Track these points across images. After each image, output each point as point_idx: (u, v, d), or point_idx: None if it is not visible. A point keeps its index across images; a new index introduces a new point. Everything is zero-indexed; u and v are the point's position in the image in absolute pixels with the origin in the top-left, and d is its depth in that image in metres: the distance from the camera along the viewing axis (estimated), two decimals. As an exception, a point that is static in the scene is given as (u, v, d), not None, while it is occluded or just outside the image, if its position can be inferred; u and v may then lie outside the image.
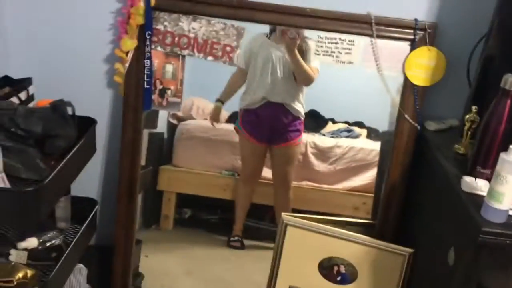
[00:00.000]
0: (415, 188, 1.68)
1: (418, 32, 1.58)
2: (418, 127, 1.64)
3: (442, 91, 1.65)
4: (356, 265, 1.66)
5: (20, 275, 1.29)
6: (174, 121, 2.38)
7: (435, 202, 1.51)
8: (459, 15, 1.59)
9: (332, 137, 2.40)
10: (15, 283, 1.27)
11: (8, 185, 1.25)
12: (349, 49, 1.64)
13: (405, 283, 1.63)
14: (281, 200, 2.11)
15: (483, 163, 1.30)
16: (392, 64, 1.64)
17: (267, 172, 2.23)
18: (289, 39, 1.78)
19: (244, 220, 2.23)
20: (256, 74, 1.99)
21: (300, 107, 2.07)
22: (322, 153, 2.33)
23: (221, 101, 2.15)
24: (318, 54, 1.66)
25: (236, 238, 2.22)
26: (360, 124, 2.43)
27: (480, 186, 1.26)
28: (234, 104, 2.18)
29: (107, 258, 1.79)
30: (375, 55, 1.62)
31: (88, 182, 1.78)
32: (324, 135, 2.41)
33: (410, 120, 1.64)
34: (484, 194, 1.19)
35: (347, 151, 2.31)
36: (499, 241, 1.13)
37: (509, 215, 1.16)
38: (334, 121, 2.45)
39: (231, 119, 2.26)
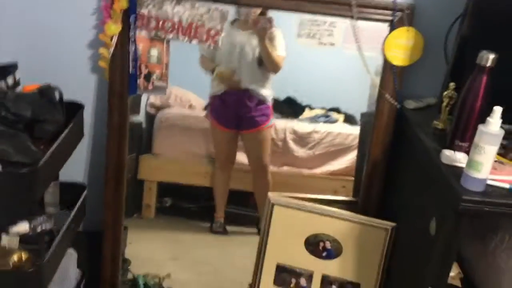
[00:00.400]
0: (396, 165, 1.74)
1: (397, 13, 1.64)
2: (398, 106, 1.70)
3: (420, 71, 1.72)
4: (341, 241, 1.72)
5: (15, 258, 1.30)
6: (152, 111, 2.38)
7: (416, 177, 1.58)
8: (436, -4, 1.65)
9: (311, 123, 2.45)
10: (11, 265, 1.27)
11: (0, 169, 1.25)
12: (331, 30, 1.68)
13: (387, 256, 1.70)
14: (260, 185, 2.15)
15: (461, 136, 1.37)
16: (372, 45, 1.69)
17: (243, 158, 2.25)
18: (261, 27, 1.81)
19: (224, 206, 2.26)
20: (221, 61, 2.01)
21: (267, 92, 2.10)
22: (301, 139, 2.37)
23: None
24: (301, 37, 1.69)
25: (218, 224, 2.25)
26: (337, 110, 2.49)
27: (459, 158, 1.32)
28: (207, 90, 2.19)
29: (96, 243, 1.80)
30: (355, 36, 1.67)
31: (75, 167, 1.78)
32: (302, 121, 2.46)
33: (390, 100, 1.70)
34: (463, 165, 1.26)
35: (325, 136, 2.36)
36: (478, 208, 1.19)
37: (487, 184, 1.23)
38: (311, 108, 2.50)
39: (207, 107, 2.28)
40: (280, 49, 1.96)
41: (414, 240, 1.54)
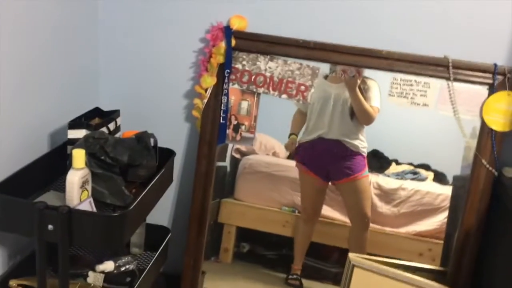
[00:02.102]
0: (491, 236, 1.61)
1: (497, 76, 1.56)
2: (496, 173, 1.59)
3: (521, 137, 1.60)
4: (425, 313, 1.60)
5: (99, 296, 1.34)
6: (237, 156, 2.43)
7: (514, 251, 1.45)
8: (541, 61, 1.56)
9: (397, 178, 2.35)
10: (94, 303, 1.32)
11: (94, 209, 1.33)
12: (425, 91, 1.63)
13: (479, 336, 1.55)
14: (357, 240, 2.07)
15: None
16: (469, 107, 1.62)
17: (328, 211, 2.20)
18: (349, 77, 1.80)
19: (303, 259, 2.20)
20: (314, 114, 2.01)
21: (360, 143, 2.05)
22: (386, 195, 2.27)
23: (294, 134, 2.17)
24: (392, 96, 1.66)
25: (294, 276, 2.19)
26: (426, 167, 2.37)
27: None
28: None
29: (174, 286, 1.83)
30: (451, 98, 1.60)
31: (160, 210, 1.84)
32: (388, 176, 2.37)
33: (487, 166, 1.60)
34: None
35: (413, 194, 2.24)
36: None
37: None
38: (398, 163, 2.41)
39: (292, 155, 2.27)
40: (374, 101, 1.93)
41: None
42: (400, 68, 1.61)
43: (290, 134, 2.12)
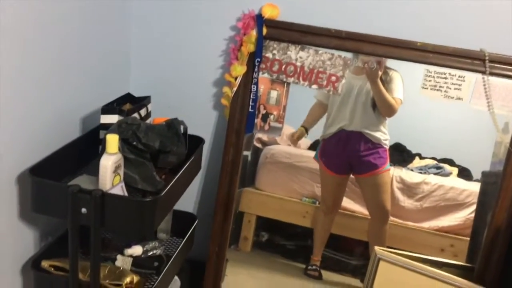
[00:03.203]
0: (522, 233, 1.59)
1: (535, 71, 1.52)
2: (529, 170, 1.56)
3: (557, 134, 1.57)
4: (451, 309, 1.59)
5: (128, 280, 1.36)
6: (259, 145, 2.42)
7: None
8: None
9: (420, 172, 2.32)
10: (124, 287, 1.34)
11: (126, 194, 1.34)
12: (459, 84, 1.60)
13: (506, 333, 1.53)
14: (377, 233, 2.06)
15: None
16: (504, 102, 1.59)
17: (349, 203, 2.19)
18: (370, 69, 1.77)
19: (322, 250, 2.20)
20: (335, 105, 1.99)
21: (382, 135, 2.03)
22: (409, 189, 2.25)
23: (305, 127, 2.16)
24: (426, 88, 1.63)
25: (314, 267, 2.19)
26: (450, 162, 2.33)
27: None
28: (316, 131, 2.18)
29: (198, 272, 1.84)
30: (486, 92, 1.57)
31: (187, 197, 1.86)
32: (411, 170, 2.34)
33: (521, 162, 1.56)
34: None
35: (436, 189, 2.21)
36: None
37: None
38: (421, 157, 2.38)
39: (313, 146, 2.26)
40: (396, 92, 1.90)
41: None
42: (435, 60, 1.59)
43: (302, 126, 2.10)
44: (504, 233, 1.61)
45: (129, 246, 1.54)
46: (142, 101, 1.59)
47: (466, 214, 2.03)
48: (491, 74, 1.56)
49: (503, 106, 1.59)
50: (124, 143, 1.37)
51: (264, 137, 2.37)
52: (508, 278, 1.62)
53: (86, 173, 1.43)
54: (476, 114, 1.65)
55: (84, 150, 1.49)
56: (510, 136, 1.62)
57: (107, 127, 1.42)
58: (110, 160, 1.28)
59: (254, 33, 1.66)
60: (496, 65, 1.56)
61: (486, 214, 1.69)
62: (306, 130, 2.14)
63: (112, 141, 1.29)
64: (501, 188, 1.61)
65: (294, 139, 2.12)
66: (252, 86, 1.72)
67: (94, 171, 1.33)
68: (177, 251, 1.54)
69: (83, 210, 1.23)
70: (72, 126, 1.56)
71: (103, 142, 1.32)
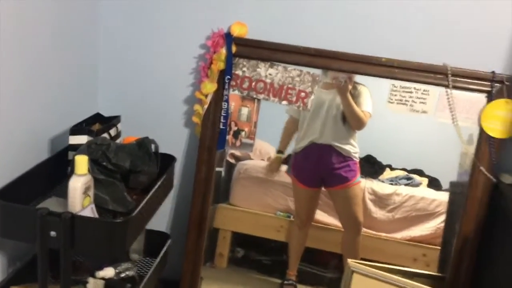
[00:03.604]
0: (490, 242, 1.63)
1: (496, 84, 1.59)
2: (494, 180, 1.61)
3: (519, 144, 1.63)
4: (425, 319, 1.61)
5: (100, 303, 1.34)
6: (232, 160, 2.42)
7: (512, 257, 1.47)
8: (539, 69, 1.58)
9: (391, 184, 2.36)
10: (96, 311, 1.31)
11: (96, 215, 1.32)
12: (424, 98, 1.65)
13: None
14: (350, 245, 2.08)
15: None
16: (467, 115, 1.64)
17: (322, 216, 2.21)
18: (340, 83, 1.81)
19: (298, 264, 2.20)
20: (306, 120, 2.02)
21: (352, 148, 2.06)
22: (380, 200, 2.28)
23: (281, 151, 2.19)
24: (392, 103, 1.67)
25: (290, 281, 2.20)
26: (419, 173, 2.39)
27: None
28: (288, 146, 2.20)
29: (172, 292, 1.82)
30: (450, 105, 1.62)
31: (160, 216, 1.84)
32: (382, 181, 2.38)
33: (486, 172, 1.61)
34: None
35: (407, 200, 2.26)
36: None
37: None
38: (392, 168, 2.42)
39: (285, 161, 2.28)
40: (365, 105, 1.95)
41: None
42: (400, 75, 1.63)
43: (278, 151, 2.13)
44: (472, 242, 1.65)
45: (101, 268, 1.51)
46: (111, 121, 1.58)
47: (436, 224, 2.07)
48: (454, 87, 1.61)
49: (467, 119, 1.65)
50: (94, 163, 1.35)
51: (238, 152, 2.38)
52: (478, 286, 1.66)
53: (55, 195, 1.40)
54: (442, 126, 1.70)
55: (53, 171, 1.47)
56: (474, 147, 1.67)
57: (76, 148, 1.40)
58: (80, 181, 1.27)
59: (223, 51, 1.68)
60: (458, 79, 1.61)
61: (455, 224, 1.73)
62: (282, 153, 2.16)
63: (81, 162, 1.27)
64: (468, 198, 1.65)
65: (273, 168, 2.14)
66: (223, 103, 1.73)
67: (63, 193, 1.31)
68: (151, 271, 1.52)
69: (52, 233, 1.21)
70: (40, 147, 1.53)
71: (72, 163, 1.30)
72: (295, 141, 2.17)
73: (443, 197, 1.94)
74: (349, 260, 1.69)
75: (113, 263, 1.54)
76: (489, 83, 1.58)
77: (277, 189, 2.25)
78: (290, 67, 1.70)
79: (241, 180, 2.30)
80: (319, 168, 2.08)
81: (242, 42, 1.69)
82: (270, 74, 1.71)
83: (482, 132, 1.62)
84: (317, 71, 1.70)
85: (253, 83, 1.72)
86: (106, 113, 1.69)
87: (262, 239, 2.25)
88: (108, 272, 1.51)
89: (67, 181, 1.27)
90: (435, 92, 1.65)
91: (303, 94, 1.70)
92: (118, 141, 1.60)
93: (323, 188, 2.11)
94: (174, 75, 1.80)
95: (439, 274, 1.76)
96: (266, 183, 2.30)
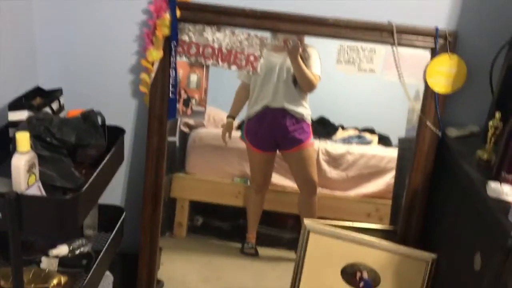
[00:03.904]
0: (437, 194, 1.70)
1: (439, 40, 1.62)
2: (440, 134, 1.67)
3: (462, 98, 1.68)
4: (379, 271, 1.68)
5: (55, 281, 1.31)
6: (186, 129, 2.40)
7: (458, 207, 1.54)
8: (480, 23, 1.62)
9: (344, 143, 2.41)
10: (51, 289, 1.29)
11: (44, 194, 1.28)
12: (371, 57, 1.66)
13: (428, 288, 1.64)
14: (307, 205, 2.13)
15: (509, 168, 1.32)
16: (413, 71, 1.67)
17: (278, 179, 2.24)
18: (291, 46, 1.81)
19: (256, 228, 2.24)
20: (257, 84, 2.02)
21: (304, 110, 2.09)
22: (334, 160, 2.33)
23: (232, 116, 2.18)
24: (340, 63, 1.68)
25: (250, 245, 2.23)
26: (370, 131, 2.45)
27: (506, 191, 1.28)
28: (243, 112, 2.20)
29: (131, 265, 1.81)
30: (396, 62, 1.65)
31: (113, 189, 1.80)
32: (335, 141, 2.42)
33: (432, 127, 1.67)
34: (510, 199, 1.21)
35: (359, 158, 2.32)
36: (528, 244, 1.14)
37: (537, 219, 1.18)
38: (343, 128, 2.47)
39: (239, 127, 2.28)
40: (315, 68, 1.96)
41: (456, 273, 1.48)
42: (347, 35, 1.63)
43: (228, 117, 2.12)
44: (421, 194, 1.72)
45: (54, 246, 1.48)
46: (53, 94, 1.51)
47: (388, 179, 2.14)
48: (400, 44, 1.63)
49: (412, 75, 1.68)
50: (37, 140, 1.29)
51: (191, 120, 2.35)
52: (428, 237, 1.73)
53: (-3, 175, 1.34)
54: (389, 84, 1.73)
55: (-7, 150, 1.39)
56: (420, 103, 1.71)
57: (16, 124, 1.34)
58: (23, 159, 1.21)
59: (167, 16, 1.62)
60: (403, 36, 1.63)
61: (404, 178, 1.79)
62: (233, 119, 2.15)
63: (23, 139, 1.21)
64: (416, 152, 1.70)
65: (225, 133, 2.13)
66: (171, 70, 1.68)
67: (7, 173, 1.25)
68: (106, 246, 1.50)
69: (-2, 214, 1.16)
70: (-23, 126, 1.45)
71: (13, 141, 1.24)
72: (248, 107, 2.17)
73: (393, 153, 2.00)
74: (305, 220, 1.73)
75: (67, 240, 1.51)
76: (433, 39, 1.61)
77: (232, 155, 2.25)
78: (238, 31, 1.66)
79: (196, 148, 2.28)
80: (273, 131, 2.09)
81: (186, 6, 1.64)
82: (217, 39, 1.67)
83: (427, 88, 1.66)
84: (266, 34, 1.67)
85: (201, 49, 1.68)
86: (46, 87, 1.61)
87: (220, 206, 2.26)
88: (62, 249, 1.48)
89: (10, 160, 1.21)
90: (382, 51, 1.66)
91: (252, 58, 1.67)
92: (61, 115, 1.53)
93: (277, 152, 2.13)
94: (117, 43, 1.73)
95: (391, 228, 1.83)
96: (221, 150, 2.29)
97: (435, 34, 1.61)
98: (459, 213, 1.52)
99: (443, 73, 1.63)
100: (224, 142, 2.12)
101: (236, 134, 2.26)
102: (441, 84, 1.64)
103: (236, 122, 2.29)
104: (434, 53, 1.63)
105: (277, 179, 2.23)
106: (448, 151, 1.61)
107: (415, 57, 1.65)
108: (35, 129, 1.31)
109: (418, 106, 1.71)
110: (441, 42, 1.61)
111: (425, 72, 1.64)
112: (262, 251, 2.25)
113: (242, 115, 2.22)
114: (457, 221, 1.52)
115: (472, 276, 1.32)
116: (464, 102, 1.69)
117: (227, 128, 2.12)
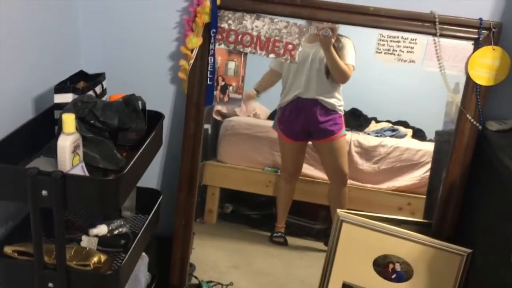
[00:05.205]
0: (475, 188, 1.67)
1: (483, 31, 1.58)
2: (480, 127, 1.64)
3: (504, 91, 1.64)
4: (412, 264, 1.67)
5: (95, 259, 1.35)
6: (218, 118, 2.41)
7: (497, 202, 1.51)
8: (526, 15, 1.58)
9: (377, 136, 2.38)
10: (91, 267, 1.33)
11: (87, 174, 1.32)
12: (411, 47, 1.64)
13: (462, 283, 1.62)
14: (337, 196, 2.12)
15: (552, 163, 1.29)
16: (454, 63, 1.64)
17: (309, 169, 2.23)
18: (323, 36, 1.79)
19: (286, 217, 2.24)
20: (290, 74, 2.01)
21: (336, 101, 2.07)
22: (366, 152, 2.31)
23: (257, 90, 2.16)
24: (380, 53, 1.66)
25: (279, 234, 2.24)
26: (404, 124, 2.41)
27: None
28: (275, 100, 2.19)
29: (165, 247, 1.85)
30: (437, 54, 1.62)
31: (150, 173, 1.83)
32: (368, 134, 2.40)
33: (472, 120, 1.64)
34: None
35: (392, 151, 2.29)
36: None
37: None
38: (377, 120, 2.44)
39: (272, 116, 2.28)
40: (349, 58, 1.93)
41: (492, 269, 1.46)
42: (387, 24, 1.62)
43: (254, 89, 2.10)
44: (458, 188, 1.69)
45: (94, 226, 1.52)
46: (96, 78, 1.55)
47: (421, 173, 2.11)
48: (442, 35, 1.60)
49: (453, 67, 1.65)
50: (81, 122, 1.33)
51: (224, 109, 2.36)
52: (464, 231, 1.71)
53: (43, 155, 1.39)
54: (428, 75, 1.70)
55: (39, 131, 1.44)
56: (460, 95, 1.68)
57: (62, 107, 1.38)
58: (68, 140, 1.25)
59: (208, 3, 1.64)
60: (446, 26, 1.60)
61: (441, 171, 1.76)
62: (258, 93, 2.13)
63: (69, 120, 1.25)
64: (454, 145, 1.68)
65: (245, 99, 2.11)
66: (209, 58, 1.70)
67: (52, 153, 1.30)
68: (143, 228, 1.53)
69: (44, 192, 1.20)
70: (25, 107, 1.50)
71: (59, 122, 1.28)
72: (280, 96, 2.17)
73: (428, 147, 1.97)
74: (338, 210, 1.73)
75: (106, 221, 1.55)
76: (476, 30, 1.58)
77: (264, 144, 2.26)
78: (277, 19, 1.67)
79: (228, 136, 2.30)
80: (305, 122, 2.08)
81: (227, -6, 1.65)
82: (256, 27, 1.68)
83: (468, 80, 1.62)
84: (304, 22, 1.66)
85: (240, 36, 1.69)
86: (90, 71, 1.65)
87: (250, 194, 2.27)
88: (102, 229, 1.52)
89: (55, 141, 1.26)
90: (423, 41, 1.64)
91: (290, 46, 1.67)
92: (104, 99, 1.57)
93: (309, 142, 2.12)
94: (158, 30, 1.75)
95: (426, 221, 1.81)
96: (253, 139, 2.30)
97: (479, 25, 1.57)
98: (497, 207, 1.49)
99: (486, 65, 1.59)
100: (246, 107, 2.11)
101: (268, 123, 2.27)
102: (483, 77, 1.60)
103: (267, 111, 2.29)
104: (477, 44, 1.59)
105: (307, 169, 2.23)
106: (488, 145, 1.58)
107: (457, 48, 1.62)
108: (80, 111, 1.34)
109: (457, 98, 1.68)
110: (485, 34, 1.58)
111: (467, 63, 1.61)
112: (291, 240, 2.26)
113: (275, 104, 2.22)
114: (495, 216, 1.50)
115: (509, 271, 1.30)
116: (506, 95, 1.65)
117: (249, 95, 2.10)
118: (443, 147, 1.79)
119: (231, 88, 1.75)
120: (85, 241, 1.48)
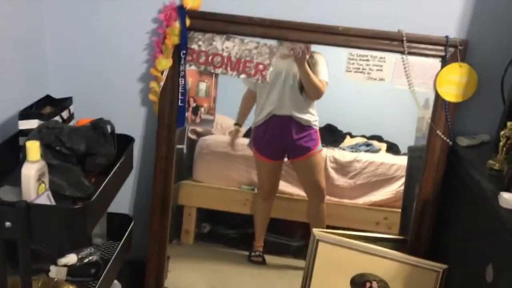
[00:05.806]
0: (448, 204, 1.68)
1: (449, 48, 1.61)
2: (450, 143, 1.65)
3: (473, 107, 1.67)
4: (388, 282, 1.66)
5: (63, 291, 1.31)
6: (193, 137, 2.39)
7: (469, 217, 1.52)
8: (490, 32, 1.61)
9: (352, 151, 2.40)
10: (60, 299, 1.28)
11: (53, 203, 1.28)
12: (381, 65, 1.66)
13: (439, 299, 1.62)
14: (315, 213, 2.11)
15: (522, 179, 1.31)
16: (423, 80, 1.66)
17: (286, 187, 2.23)
18: (297, 53, 1.80)
19: (264, 235, 2.22)
20: (264, 91, 2.01)
21: (311, 117, 2.07)
22: (342, 168, 2.32)
23: (238, 124, 2.17)
24: (350, 71, 1.68)
25: (257, 253, 2.22)
26: (378, 138, 2.43)
27: (518, 202, 1.26)
28: (250, 119, 2.19)
29: (139, 273, 1.80)
30: (406, 71, 1.64)
31: (121, 198, 1.80)
32: (343, 149, 2.41)
33: (442, 136, 1.65)
34: (524, 210, 1.19)
35: (367, 166, 2.30)
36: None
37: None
38: (351, 135, 2.46)
39: (247, 134, 2.27)
40: (322, 74, 1.95)
41: (467, 285, 1.47)
42: (357, 43, 1.63)
43: (235, 124, 2.12)
44: (431, 204, 1.70)
45: (63, 255, 1.47)
46: (63, 103, 1.52)
47: (396, 187, 2.12)
48: (409, 53, 1.62)
49: (422, 84, 1.67)
50: (47, 148, 1.29)
51: (199, 128, 2.34)
52: (439, 246, 1.72)
53: (7, 184, 1.34)
54: (399, 92, 1.72)
55: (3, 159, 1.40)
56: (430, 111, 1.70)
57: (26, 133, 1.34)
58: (33, 168, 1.21)
59: (177, 24, 1.63)
60: (413, 44, 1.62)
61: (414, 187, 1.77)
62: (240, 126, 2.14)
63: (33, 148, 1.22)
64: (426, 161, 1.69)
65: (232, 140, 2.12)
66: (180, 79, 1.68)
67: (16, 181, 1.25)
68: (114, 254, 1.49)
69: (7, 224, 1.16)
70: (-12, 134, 1.46)
71: (23, 149, 1.24)
72: (255, 114, 2.16)
73: (402, 161, 1.99)
74: (314, 230, 1.72)
75: (75, 249, 1.51)
76: (443, 48, 1.61)
77: (240, 163, 2.24)
78: (247, 39, 1.67)
79: (203, 155, 2.27)
80: (280, 140, 2.08)
81: (196, 15, 1.64)
82: (226, 47, 1.67)
83: (437, 97, 1.65)
84: (275, 43, 1.67)
85: (210, 57, 1.68)
86: (57, 95, 1.61)
87: (227, 213, 2.25)
88: (71, 258, 1.48)
89: (20, 169, 1.21)
90: (391, 59, 1.66)
91: (261, 66, 1.67)
92: (71, 124, 1.54)
93: (285, 160, 2.12)
94: (127, 52, 1.73)
95: (401, 237, 1.81)
96: (228, 157, 2.28)
97: (446, 43, 1.60)
98: (470, 223, 1.50)
99: (454, 82, 1.62)
100: (232, 149, 2.12)
101: (244, 141, 2.26)
102: (451, 93, 1.63)
103: (243, 130, 2.29)
104: (444, 62, 1.62)
105: (284, 186, 2.22)
106: (458, 161, 1.60)
107: (425, 65, 1.65)
108: (45, 138, 1.31)
109: (428, 114, 1.70)
110: (451, 51, 1.61)
111: (435, 81, 1.64)
112: (270, 259, 2.24)
113: (250, 122, 2.21)
114: (469, 232, 1.51)
115: (484, 286, 1.30)
116: (474, 111, 1.68)
117: (234, 135, 2.11)
118: (416, 163, 1.80)
119: (202, 109, 1.74)
120: (54, 272, 1.43)
